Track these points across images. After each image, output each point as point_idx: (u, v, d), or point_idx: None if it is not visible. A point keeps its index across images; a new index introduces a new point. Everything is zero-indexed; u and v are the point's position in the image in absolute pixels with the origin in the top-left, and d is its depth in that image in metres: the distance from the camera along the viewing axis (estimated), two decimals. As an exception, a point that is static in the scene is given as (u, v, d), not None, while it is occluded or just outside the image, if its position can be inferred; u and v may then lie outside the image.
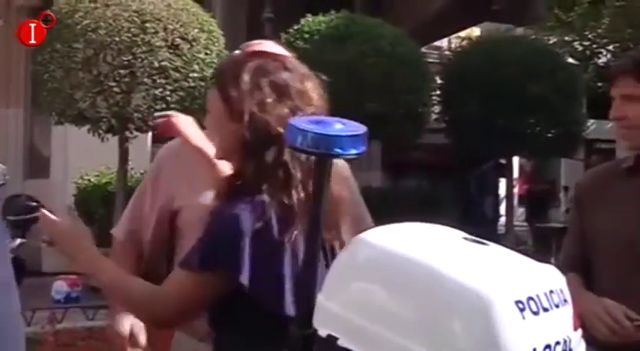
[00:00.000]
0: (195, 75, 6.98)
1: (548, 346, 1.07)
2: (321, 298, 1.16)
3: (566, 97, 9.25)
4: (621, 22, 10.45)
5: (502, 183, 13.58)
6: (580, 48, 11.62)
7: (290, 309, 1.68)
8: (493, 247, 1.15)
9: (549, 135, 9.27)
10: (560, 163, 16.12)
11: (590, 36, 11.48)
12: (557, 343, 1.08)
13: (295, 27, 8.62)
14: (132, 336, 2.42)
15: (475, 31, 14.28)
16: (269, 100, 1.77)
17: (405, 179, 12.69)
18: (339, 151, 1.21)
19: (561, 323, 1.10)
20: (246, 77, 1.79)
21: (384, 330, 1.06)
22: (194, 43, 7.05)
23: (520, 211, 13.90)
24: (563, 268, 1.36)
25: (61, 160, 9.35)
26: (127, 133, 7.13)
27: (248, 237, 1.69)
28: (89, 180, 8.81)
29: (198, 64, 7.02)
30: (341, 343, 1.10)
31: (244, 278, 1.69)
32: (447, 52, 12.78)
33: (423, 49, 10.54)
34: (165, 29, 6.92)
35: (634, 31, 10.17)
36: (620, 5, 10.55)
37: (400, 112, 8.37)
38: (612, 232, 2.21)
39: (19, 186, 8.41)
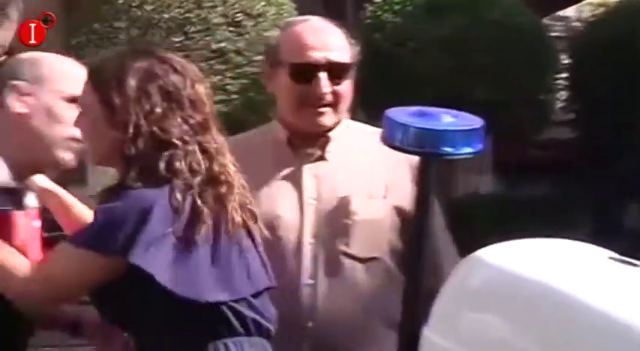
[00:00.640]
0: (261, 58, 7.03)
1: None
2: (427, 333, 1.16)
3: None
4: None
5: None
6: None
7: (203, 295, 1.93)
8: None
9: None
10: None
11: None
12: None
13: (383, -4, 8.67)
14: None
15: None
16: (158, 110, 1.91)
17: (522, 183, 12.56)
18: (449, 149, 1.17)
19: None
20: (132, 82, 1.93)
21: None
22: (260, 20, 7.12)
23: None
24: None
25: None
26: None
27: (140, 223, 1.88)
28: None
29: (264, 45, 7.08)
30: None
31: (136, 258, 1.89)
32: (575, 23, 12.64)
33: (545, 20, 10.41)
34: (224, 3, 7.00)
35: None
36: None
37: (516, 100, 8.31)
38: None
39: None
